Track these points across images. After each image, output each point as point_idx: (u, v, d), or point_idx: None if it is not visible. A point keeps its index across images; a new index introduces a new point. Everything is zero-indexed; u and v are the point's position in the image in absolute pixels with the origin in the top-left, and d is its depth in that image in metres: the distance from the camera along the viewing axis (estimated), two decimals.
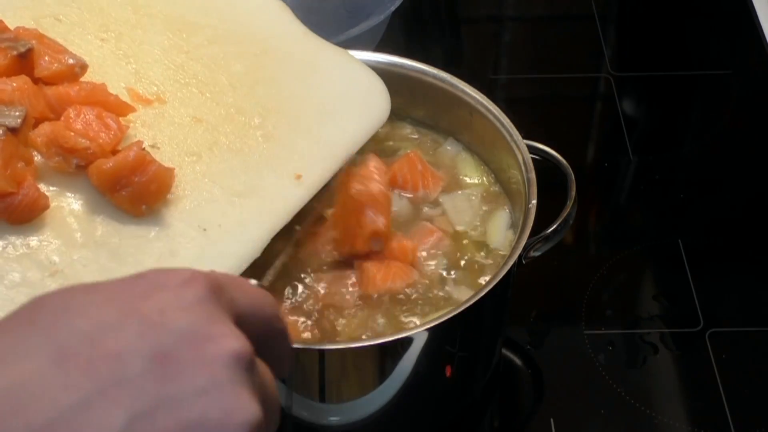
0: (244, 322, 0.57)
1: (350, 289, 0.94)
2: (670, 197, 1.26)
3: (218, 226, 0.85)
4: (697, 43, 1.48)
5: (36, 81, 0.86)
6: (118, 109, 0.88)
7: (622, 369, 1.07)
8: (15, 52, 0.85)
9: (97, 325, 0.52)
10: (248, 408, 0.52)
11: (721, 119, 1.38)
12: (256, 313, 0.58)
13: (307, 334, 0.92)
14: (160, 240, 0.83)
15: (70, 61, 0.88)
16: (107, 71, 0.93)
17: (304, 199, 0.91)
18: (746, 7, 1.49)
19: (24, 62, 0.86)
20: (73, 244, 0.82)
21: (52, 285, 0.79)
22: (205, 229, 0.85)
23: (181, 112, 0.92)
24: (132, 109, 0.89)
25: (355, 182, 0.93)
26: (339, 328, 0.92)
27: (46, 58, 0.87)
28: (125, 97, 0.90)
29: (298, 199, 0.90)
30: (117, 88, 0.91)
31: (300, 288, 0.95)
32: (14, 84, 0.84)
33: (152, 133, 0.90)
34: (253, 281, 0.62)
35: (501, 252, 0.99)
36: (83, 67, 0.89)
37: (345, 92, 1.00)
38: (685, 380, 1.07)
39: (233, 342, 0.53)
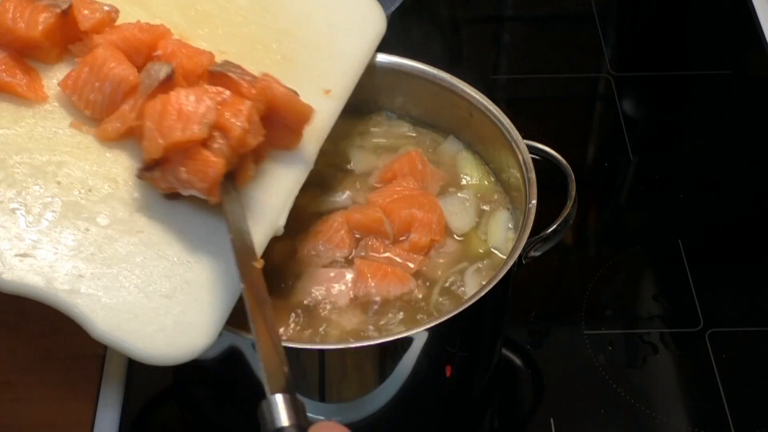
0: None
1: (343, 288, 0.95)
2: (670, 197, 1.26)
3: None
4: (697, 43, 1.48)
5: (78, 36, 0.91)
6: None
7: (622, 369, 1.08)
8: (58, 10, 0.89)
9: None
10: None
11: (721, 119, 1.37)
12: None
13: (299, 331, 0.92)
14: None
15: (106, 8, 0.92)
16: (124, 18, 0.94)
17: (338, 110, 0.97)
18: (746, 7, 1.49)
19: (67, 18, 0.90)
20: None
21: (141, 219, 0.84)
22: None
23: (204, 47, 0.94)
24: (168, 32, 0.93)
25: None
26: (329, 329, 0.92)
27: (85, 12, 0.91)
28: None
29: (332, 113, 0.97)
30: None
31: (296, 286, 0.95)
32: None
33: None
34: None
35: (501, 252, 0.99)
36: (117, 12, 0.93)
37: (345, 8, 1.04)
38: (685, 380, 1.07)
39: None
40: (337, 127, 0.98)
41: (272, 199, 0.89)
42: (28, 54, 0.89)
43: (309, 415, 0.95)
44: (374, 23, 1.05)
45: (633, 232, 1.23)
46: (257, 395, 0.93)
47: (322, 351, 0.89)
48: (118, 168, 0.86)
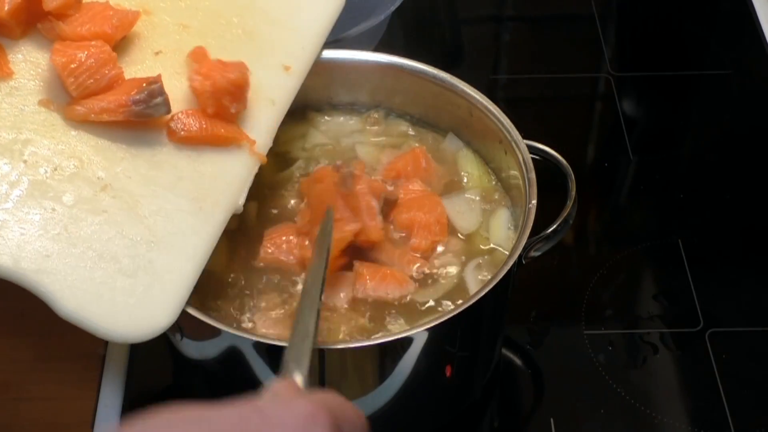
0: None
1: (342, 291, 0.95)
2: (670, 197, 1.26)
3: None
4: (697, 43, 1.48)
5: (45, 15, 0.91)
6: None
7: (622, 369, 1.07)
8: None
9: None
10: None
11: (721, 119, 1.37)
12: None
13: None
14: None
15: None
16: None
17: (296, 87, 0.99)
18: (746, 7, 1.49)
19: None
20: (112, 158, 0.87)
21: (105, 198, 0.86)
22: None
23: (167, 21, 0.96)
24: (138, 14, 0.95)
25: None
26: (328, 330, 0.92)
27: None
28: None
29: (291, 88, 0.98)
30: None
31: (294, 285, 0.95)
32: None
33: (151, 40, 0.95)
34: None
35: (502, 250, 0.99)
36: None
37: None
38: (685, 380, 1.07)
39: None
40: (338, 125, 0.99)
41: (233, 176, 0.91)
42: None
43: None
44: None
45: (633, 232, 1.23)
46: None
47: (322, 351, 0.89)
48: (83, 146, 0.87)
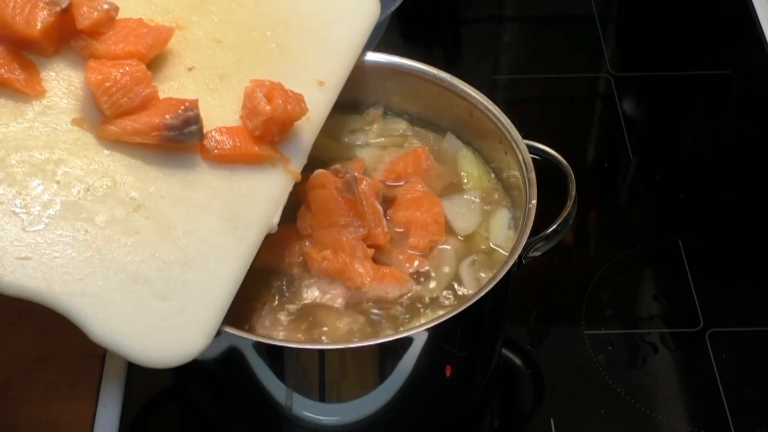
0: None
1: (341, 290, 0.95)
2: (670, 197, 1.26)
3: None
4: (697, 43, 1.48)
5: (78, 33, 0.90)
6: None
7: (622, 369, 1.07)
8: (58, 9, 0.88)
9: None
10: None
11: (721, 119, 1.37)
12: None
13: (297, 332, 0.92)
14: None
15: (105, 6, 0.91)
16: (123, 6, 0.94)
17: (331, 102, 0.97)
18: (746, 7, 1.49)
19: (66, 16, 0.89)
20: (145, 177, 0.86)
21: (138, 219, 0.84)
22: None
23: (200, 36, 0.95)
24: (172, 30, 0.94)
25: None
26: (328, 330, 0.92)
27: (84, 9, 0.90)
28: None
29: (326, 104, 0.97)
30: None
31: (295, 288, 0.95)
32: None
33: (184, 56, 0.94)
34: None
35: (502, 251, 0.99)
36: (117, 10, 0.92)
37: None
38: (685, 380, 1.07)
39: None
40: (338, 123, 0.98)
41: (267, 196, 0.90)
42: (25, 48, 0.88)
43: (309, 415, 0.96)
44: (367, 10, 1.04)
45: (633, 232, 1.23)
46: (257, 395, 0.93)
47: (322, 351, 0.89)
48: (116, 166, 0.86)
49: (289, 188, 0.92)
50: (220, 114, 0.91)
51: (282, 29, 0.98)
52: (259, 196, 0.89)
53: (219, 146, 0.89)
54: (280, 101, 0.89)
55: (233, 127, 0.91)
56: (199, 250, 0.84)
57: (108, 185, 0.85)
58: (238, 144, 0.90)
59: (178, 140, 0.86)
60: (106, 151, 0.87)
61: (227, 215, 0.87)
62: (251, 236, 0.87)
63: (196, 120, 0.87)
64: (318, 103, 0.95)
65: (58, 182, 0.84)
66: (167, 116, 0.86)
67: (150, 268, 0.83)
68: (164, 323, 0.81)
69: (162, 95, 0.89)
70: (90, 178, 0.85)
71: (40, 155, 0.85)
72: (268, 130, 0.90)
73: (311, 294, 0.95)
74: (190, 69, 0.93)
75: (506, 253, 0.96)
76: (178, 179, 0.87)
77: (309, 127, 0.94)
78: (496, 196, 1.04)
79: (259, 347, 0.87)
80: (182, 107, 0.87)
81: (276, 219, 0.89)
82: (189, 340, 0.82)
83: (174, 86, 0.92)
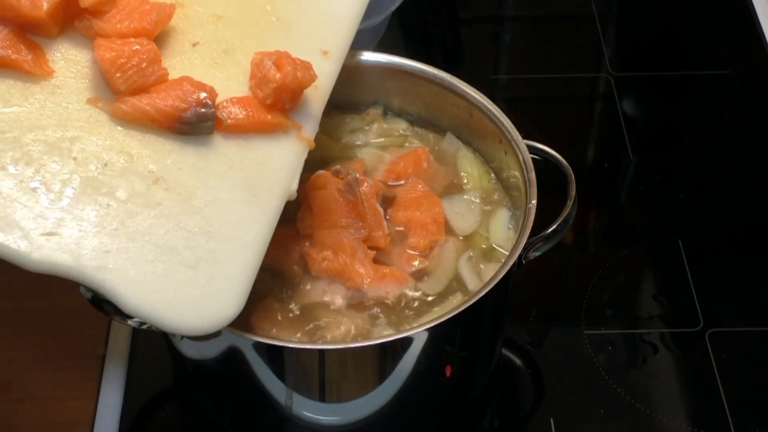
0: None
1: (341, 290, 0.95)
2: (670, 197, 1.26)
3: None
4: (697, 43, 1.48)
5: (81, 12, 0.90)
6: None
7: (622, 369, 1.07)
8: None
9: None
10: None
11: (721, 119, 1.37)
12: None
13: (297, 332, 0.92)
14: None
15: None
16: None
17: (336, 72, 0.98)
18: (746, 7, 1.49)
19: None
20: (161, 150, 0.87)
21: (158, 191, 0.85)
22: None
23: (200, 12, 0.95)
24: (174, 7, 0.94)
25: None
26: (327, 330, 0.92)
27: None
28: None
29: (331, 73, 0.98)
30: None
31: (295, 288, 0.95)
32: None
33: (187, 32, 0.94)
34: None
35: (502, 250, 0.99)
36: None
37: None
38: (685, 380, 1.07)
39: None
40: (338, 123, 0.98)
41: (283, 163, 0.91)
42: (29, 30, 0.89)
43: (309, 415, 0.96)
44: None
45: (633, 232, 1.23)
46: (257, 395, 0.93)
47: (322, 351, 0.89)
48: (130, 141, 0.87)
49: (305, 155, 0.93)
50: (229, 87, 0.92)
51: (281, 3, 0.99)
52: (276, 164, 0.90)
53: (232, 116, 0.90)
54: (289, 68, 0.90)
55: (244, 97, 0.92)
56: (222, 219, 0.86)
57: (125, 160, 0.86)
58: (251, 113, 0.91)
59: (192, 132, 0.88)
60: (119, 127, 0.87)
61: (246, 184, 0.88)
62: (272, 203, 0.88)
63: (211, 116, 0.87)
64: (324, 73, 0.96)
65: (75, 159, 0.85)
66: (183, 108, 0.87)
67: (175, 238, 0.84)
68: (195, 292, 0.82)
69: (170, 71, 0.90)
70: (106, 153, 0.86)
71: (54, 134, 0.85)
72: (279, 98, 0.91)
73: (311, 294, 0.95)
74: (194, 45, 0.94)
75: (506, 253, 0.96)
76: (193, 150, 0.88)
77: (317, 96, 0.95)
78: (496, 197, 1.04)
79: (259, 347, 0.87)
80: (197, 101, 0.87)
81: (294, 185, 0.91)
82: (221, 308, 0.83)
83: (180, 61, 0.92)
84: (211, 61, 0.93)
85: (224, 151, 0.89)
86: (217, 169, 0.88)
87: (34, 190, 0.82)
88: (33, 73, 0.87)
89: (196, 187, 0.86)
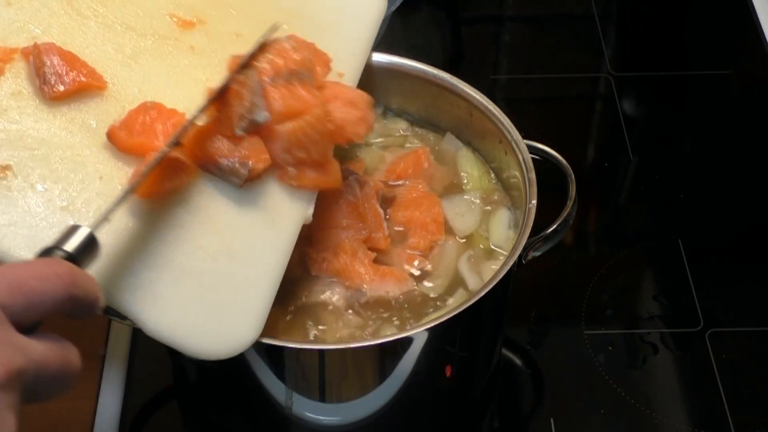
0: (27, 317, 0.61)
1: (341, 290, 0.95)
2: (670, 197, 1.26)
3: None
4: (697, 43, 1.48)
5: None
6: None
7: (622, 369, 1.07)
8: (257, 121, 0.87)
9: None
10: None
11: (721, 119, 1.37)
12: (39, 305, 0.62)
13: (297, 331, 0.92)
14: None
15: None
16: (146, 2, 0.94)
17: None
18: (746, 7, 1.49)
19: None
20: None
21: (181, 214, 0.84)
22: None
23: (221, 30, 0.96)
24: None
25: None
26: (328, 330, 0.92)
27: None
28: (168, 23, 0.94)
29: None
30: (160, 15, 0.94)
31: (295, 288, 0.95)
32: None
33: (209, 50, 0.94)
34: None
35: (502, 250, 0.99)
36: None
37: None
38: (685, 380, 1.07)
39: None
40: None
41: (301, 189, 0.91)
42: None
43: (308, 414, 0.96)
44: (377, 2, 1.06)
45: (633, 232, 1.23)
46: (257, 395, 0.93)
47: (322, 351, 0.89)
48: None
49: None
50: None
51: (297, 23, 0.99)
52: (294, 189, 0.90)
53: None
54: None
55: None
56: (242, 243, 0.86)
57: None
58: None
59: (219, 177, 0.87)
60: None
61: (265, 207, 0.88)
62: (290, 227, 0.88)
63: (243, 177, 0.86)
64: None
65: (101, 178, 0.84)
66: (222, 157, 0.86)
67: (197, 261, 0.83)
68: (215, 315, 0.82)
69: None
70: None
71: (82, 152, 0.84)
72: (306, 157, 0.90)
73: (311, 294, 0.95)
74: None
75: (506, 253, 0.96)
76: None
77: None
78: (496, 197, 1.04)
79: (259, 347, 0.87)
80: (240, 159, 0.86)
81: (310, 210, 0.91)
82: (241, 331, 0.83)
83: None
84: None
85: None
86: (236, 193, 0.87)
87: (62, 209, 0.81)
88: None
89: (216, 211, 0.86)
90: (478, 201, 1.03)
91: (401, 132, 1.10)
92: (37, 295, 0.62)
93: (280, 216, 0.88)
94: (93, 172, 0.83)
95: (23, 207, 0.80)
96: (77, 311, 0.65)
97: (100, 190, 0.83)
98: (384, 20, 1.28)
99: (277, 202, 0.89)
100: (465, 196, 1.04)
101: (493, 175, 1.06)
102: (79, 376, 0.65)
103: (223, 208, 0.86)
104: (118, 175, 0.84)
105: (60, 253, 0.68)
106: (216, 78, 0.90)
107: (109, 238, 0.80)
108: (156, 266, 0.82)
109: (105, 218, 0.73)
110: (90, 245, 0.70)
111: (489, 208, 1.03)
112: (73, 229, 0.69)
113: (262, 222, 0.87)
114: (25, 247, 0.78)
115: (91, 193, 0.82)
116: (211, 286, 0.83)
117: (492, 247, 1.00)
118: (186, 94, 0.90)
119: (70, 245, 0.68)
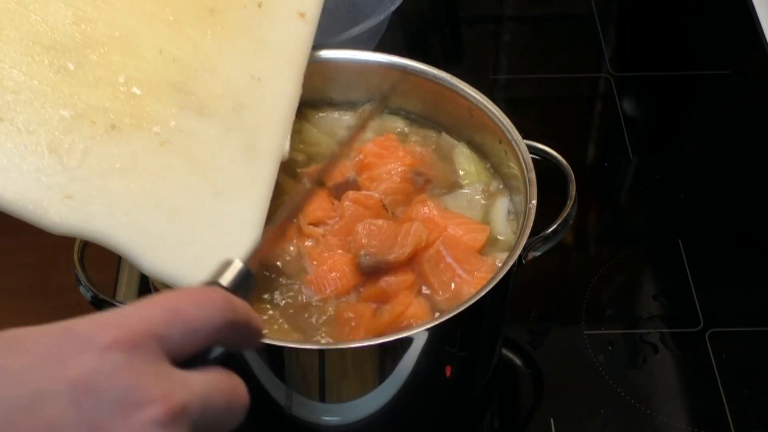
0: (185, 347, 0.59)
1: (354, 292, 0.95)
2: (670, 197, 1.26)
3: (257, 79, 0.96)
4: (697, 43, 1.48)
5: None
6: None
7: (622, 369, 1.07)
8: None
9: (31, 393, 0.53)
10: None
11: (721, 119, 1.37)
12: (197, 332, 0.60)
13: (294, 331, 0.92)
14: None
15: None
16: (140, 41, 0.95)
17: (313, 33, 1.02)
18: (746, 7, 1.49)
19: None
20: (165, 114, 0.89)
21: (165, 154, 0.87)
22: (259, 79, 0.96)
23: None
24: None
25: None
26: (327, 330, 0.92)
27: None
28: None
29: (309, 36, 1.01)
30: (152, 51, 0.94)
31: (290, 288, 0.95)
32: None
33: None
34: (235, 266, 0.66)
35: (502, 238, 0.99)
36: None
37: None
38: (685, 380, 1.07)
39: (159, 406, 0.55)
40: (332, 121, 0.98)
41: (273, 123, 0.94)
42: None
43: (308, 414, 0.95)
44: None
45: (633, 232, 1.23)
46: (257, 395, 0.93)
47: (322, 351, 0.89)
48: (136, 101, 0.89)
49: (292, 116, 0.97)
50: None
51: None
52: (268, 125, 0.94)
53: None
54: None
55: None
56: (225, 180, 0.89)
57: (131, 123, 0.87)
58: None
59: None
60: (132, 91, 0.89)
61: (245, 145, 0.91)
62: (270, 164, 0.92)
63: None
64: (302, 35, 0.99)
65: (93, 122, 0.86)
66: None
67: (185, 200, 0.86)
68: (207, 251, 0.84)
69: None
70: (113, 114, 0.87)
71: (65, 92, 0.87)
72: None
73: (311, 293, 0.95)
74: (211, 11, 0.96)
75: (504, 239, 0.97)
76: (194, 113, 0.90)
77: (297, 60, 0.99)
78: (492, 188, 1.04)
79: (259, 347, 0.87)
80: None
81: (287, 146, 0.94)
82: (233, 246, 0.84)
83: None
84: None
85: (222, 114, 0.92)
86: (216, 133, 0.90)
87: (51, 151, 0.83)
88: None
89: (198, 150, 0.89)
90: (478, 196, 1.03)
91: (400, 130, 1.10)
92: (195, 321, 0.60)
93: (260, 153, 0.92)
94: (76, 114, 0.86)
95: (11, 149, 0.82)
96: (238, 340, 0.64)
97: (87, 132, 0.85)
98: (383, 20, 1.29)
99: (256, 140, 0.92)
100: (465, 191, 1.04)
101: (491, 169, 1.06)
102: (249, 408, 0.63)
103: (205, 148, 0.89)
104: (102, 117, 0.86)
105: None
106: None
107: (97, 177, 0.83)
108: (148, 206, 0.84)
109: (257, 250, 0.71)
110: (245, 279, 0.67)
111: (488, 202, 1.03)
112: (226, 265, 0.67)
113: (242, 159, 0.90)
114: (14, 191, 0.81)
115: (77, 134, 0.85)
116: (200, 223, 0.86)
117: (497, 237, 1.00)
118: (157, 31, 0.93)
119: (225, 279, 0.66)
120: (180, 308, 0.59)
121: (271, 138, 0.94)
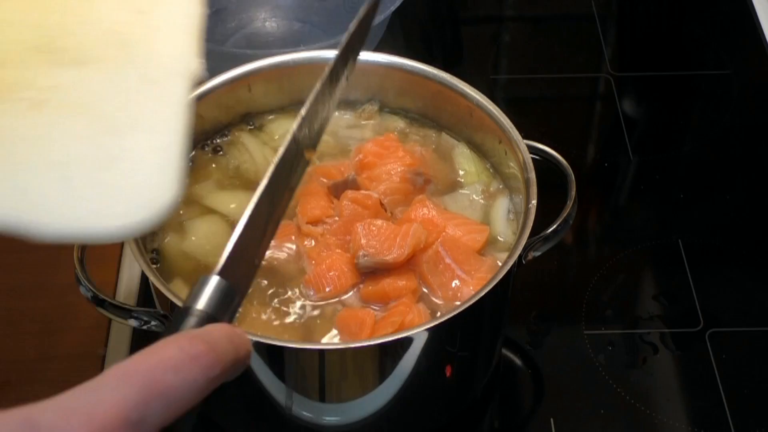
0: (165, 420, 0.53)
1: (353, 290, 0.95)
2: (670, 197, 1.26)
3: (143, 12, 0.87)
4: (697, 43, 1.48)
5: None
6: None
7: (622, 369, 1.08)
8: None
9: None
10: None
11: (721, 119, 1.38)
12: (179, 402, 0.54)
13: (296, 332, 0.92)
14: None
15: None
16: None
17: None
18: (746, 7, 1.49)
19: None
20: (34, 75, 0.82)
21: (43, 114, 0.78)
22: (144, 12, 0.87)
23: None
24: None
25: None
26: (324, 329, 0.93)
27: None
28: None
29: None
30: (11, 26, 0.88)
31: (290, 289, 0.95)
32: None
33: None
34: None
35: (502, 238, 0.99)
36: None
37: None
38: (685, 380, 1.07)
39: None
40: (334, 120, 0.98)
41: (170, 47, 0.86)
42: None
43: (308, 414, 0.96)
44: None
45: (633, 232, 1.23)
46: (257, 395, 0.93)
47: (322, 351, 0.89)
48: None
49: (194, 25, 0.89)
50: None
51: None
52: (166, 47, 0.86)
53: None
54: None
55: None
56: (125, 115, 0.80)
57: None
58: None
59: None
60: None
61: (140, 77, 0.83)
62: (175, 86, 0.83)
63: None
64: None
65: None
66: None
67: (77, 149, 0.77)
68: (121, 191, 0.75)
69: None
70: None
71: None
72: None
73: (310, 293, 0.95)
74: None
75: (504, 239, 0.97)
76: (70, 66, 0.83)
77: None
78: (492, 188, 1.04)
79: (259, 347, 0.87)
80: None
81: (196, 64, 0.85)
82: (156, 196, 0.75)
83: None
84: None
85: (107, 57, 0.84)
86: (103, 77, 0.82)
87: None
88: None
89: (80, 95, 0.80)
90: (478, 197, 1.03)
91: (400, 129, 1.10)
92: (176, 392, 0.53)
93: (159, 79, 0.83)
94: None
95: None
96: (224, 380, 0.58)
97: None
98: (383, 20, 1.29)
99: (151, 69, 0.84)
100: (465, 191, 1.04)
101: (491, 169, 1.06)
102: None
103: (94, 94, 0.81)
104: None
105: (194, 316, 0.58)
106: None
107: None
108: (35, 170, 0.74)
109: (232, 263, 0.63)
110: (226, 297, 0.60)
111: (488, 202, 1.03)
112: (203, 283, 0.59)
113: (141, 91, 0.82)
114: None
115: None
116: (101, 165, 0.76)
117: (497, 237, 1.00)
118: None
119: (202, 302, 0.59)
120: (157, 380, 0.53)
121: (170, 62, 0.84)
